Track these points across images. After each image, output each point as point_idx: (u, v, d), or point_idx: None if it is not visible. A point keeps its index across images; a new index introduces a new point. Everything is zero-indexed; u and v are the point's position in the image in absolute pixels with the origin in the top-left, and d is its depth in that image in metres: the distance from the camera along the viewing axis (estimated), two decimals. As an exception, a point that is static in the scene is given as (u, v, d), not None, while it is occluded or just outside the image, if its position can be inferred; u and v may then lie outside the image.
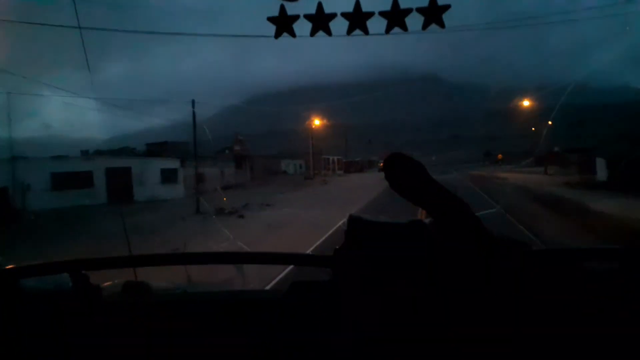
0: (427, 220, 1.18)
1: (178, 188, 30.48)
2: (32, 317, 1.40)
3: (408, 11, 1.23)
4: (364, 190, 25.56)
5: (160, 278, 1.83)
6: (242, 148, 46.13)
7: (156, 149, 39.84)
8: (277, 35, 1.27)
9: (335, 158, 69.22)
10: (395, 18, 1.23)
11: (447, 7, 1.21)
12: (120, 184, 27.20)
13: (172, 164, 31.58)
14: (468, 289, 1.10)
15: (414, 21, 1.22)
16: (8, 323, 1.39)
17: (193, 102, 23.05)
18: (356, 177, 53.01)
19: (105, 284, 1.63)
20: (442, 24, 1.23)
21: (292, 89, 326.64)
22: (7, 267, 1.52)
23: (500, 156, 71.73)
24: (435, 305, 1.10)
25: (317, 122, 55.18)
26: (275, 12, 1.22)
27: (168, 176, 27.72)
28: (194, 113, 22.78)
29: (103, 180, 27.57)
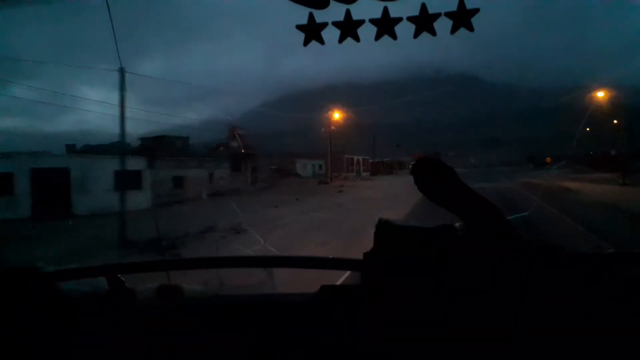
0: (457, 225, 1.16)
1: (141, 196, 24.02)
2: (70, 322, 1.42)
3: (436, 16, 1.22)
4: (390, 203, 20.78)
5: (193, 282, 1.80)
6: (242, 144, 37.26)
7: (150, 144, 33.92)
8: (306, 42, 1.26)
9: (361, 158, 62.34)
10: (424, 23, 1.22)
11: (476, 11, 1.20)
12: (53, 191, 21.22)
13: (135, 164, 24.57)
14: (496, 294, 1.08)
15: (444, 24, 1.21)
16: (48, 327, 1.40)
17: (121, 68, 15.65)
18: (384, 181, 46.35)
19: (141, 287, 1.63)
20: (471, 28, 1.21)
21: (323, 88, 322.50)
22: (45, 270, 1.53)
23: (549, 159, 62.90)
24: (462, 312, 1.09)
25: (336, 115, 47.37)
26: (304, 20, 1.23)
27: (127, 181, 20.41)
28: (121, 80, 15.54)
29: (28, 185, 21.43)
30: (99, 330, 1.39)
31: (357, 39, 1.25)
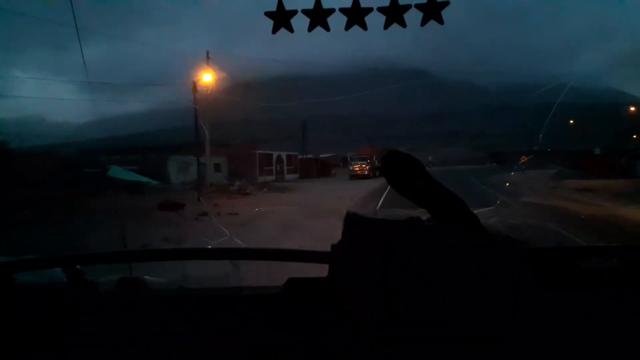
0: (424, 218, 1.17)
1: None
2: (27, 312, 1.36)
3: (407, 7, 1.21)
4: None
5: (155, 274, 1.76)
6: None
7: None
8: (275, 30, 1.23)
9: (284, 155, 45.94)
10: (394, 14, 1.21)
11: (446, 4, 1.19)
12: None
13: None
14: (463, 287, 1.08)
15: (414, 17, 1.24)
16: (3, 318, 1.35)
17: None
18: (312, 190, 29.75)
19: (101, 279, 1.57)
20: (441, 21, 1.21)
21: (276, 79, 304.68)
22: (1, 261, 1.49)
23: (524, 158, 49.23)
24: (431, 304, 1.10)
25: (207, 78, 27.52)
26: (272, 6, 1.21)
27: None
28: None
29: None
30: (58, 323, 1.31)
31: (327, 28, 1.23)
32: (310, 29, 1.23)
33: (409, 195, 1.14)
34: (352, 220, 1.17)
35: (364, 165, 42.32)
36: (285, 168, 43.83)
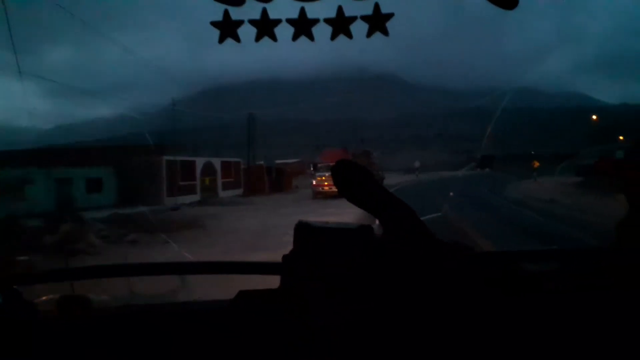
0: (375, 225, 1.13)
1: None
2: None
3: (353, 19, 1.20)
4: None
5: (99, 291, 1.63)
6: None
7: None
8: (221, 40, 1.22)
9: (218, 162, 29.24)
10: (340, 25, 1.21)
11: (390, 16, 1.19)
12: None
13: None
14: (414, 294, 1.08)
15: (361, 27, 1.23)
16: None
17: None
18: (238, 227, 15.45)
19: (40, 299, 1.45)
20: (386, 32, 1.21)
21: (246, 83, 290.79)
22: None
23: (537, 164, 42.68)
24: (384, 313, 1.07)
25: None
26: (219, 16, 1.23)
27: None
28: None
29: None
30: None
31: (274, 38, 1.20)
32: (258, 39, 1.21)
33: (358, 203, 1.10)
34: (303, 230, 1.12)
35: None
36: (219, 182, 28.04)
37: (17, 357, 1.16)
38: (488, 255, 1.35)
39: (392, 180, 38.13)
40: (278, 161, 40.02)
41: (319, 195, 25.30)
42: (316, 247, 1.09)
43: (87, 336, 1.21)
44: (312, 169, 28.47)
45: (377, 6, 1.17)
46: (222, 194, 26.91)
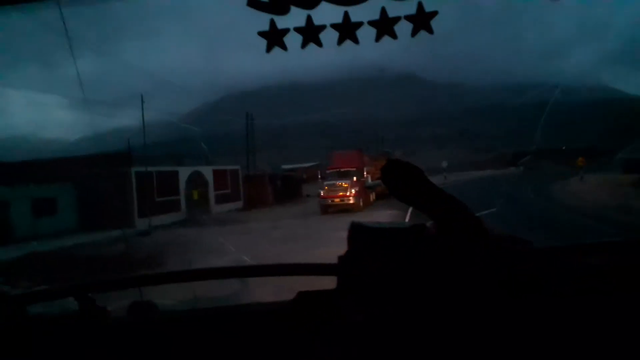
0: (429, 224, 1.13)
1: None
2: (41, 344, 1.33)
3: (396, 19, 1.19)
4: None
5: (166, 296, 1.71)
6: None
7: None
8: (269, 49, 1.21)
9: (208, 171, 23.96)
10: (385, 27, 1.19)
11: (434, 14, 1.17)
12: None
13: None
14: (467, 293, 1.05)
15: (404, 27, 1.18)
16: (18, 352, 1.31)
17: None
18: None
19: (112, 305, 1.51)
20: (430, 30, 1.19)
21: (267, 87, 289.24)
22: (13, 294, 1.42)
23: (582, 160, 37.00)
24: (440, 313, 1.05)
25: None
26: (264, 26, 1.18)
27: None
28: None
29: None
30: (72, 352, 1.28)
31: (319, 44, 1.20)
32: (304, 46, 1.20)
33: (412, 204, 1.09)
34: (357, 231, 1.12)
35: (345, 185, 20.86)
36: (211, 194, 23.55)
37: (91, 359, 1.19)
38: (549, 251, 1.25)
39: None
40: (286, 166, 35.14)
41: (329, 210, 20.17)
42: (371, 247, 1.08)
43: (156, 338, 1.27)
44: (319, 177, 23.49)
45: (420, 5, 1.14)
46: (216, 208, 22.49)
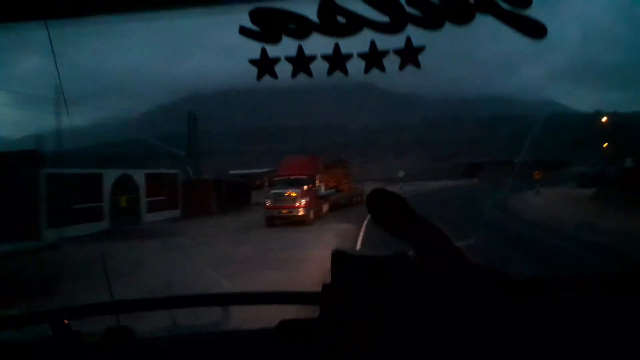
0: (410, 253, 1.15)
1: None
2: None
3: (385, 53, 1.23)
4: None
5: (143, 322, 1.69)
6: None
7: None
8: (259, 77, 1.24)
9: (140, 175, 20.06)
10: (373, 60, 1.23)
11: (422, 49, 1.22)
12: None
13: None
14: (455, 323, 1.06)
15: (392, 60, 1.24)
16: None
17: None
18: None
19: (86, 330, 1.50)
20: (418, 65, 1.23)
21: (226, 90, 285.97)
22: None
23: (539, 175, 35.29)
24: (425, 343, 1.06)
25: None
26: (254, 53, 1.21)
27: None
28: None
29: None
30: None
31: (309, 74, 1.23)
32: (294, 75, 1.21)
33: (393, 232, 1.10)
34: (339, 259, 1.13)
35: (294, 194, 18.71)
36: (142, 201, 20.01)
37: None
38: (525, 282, 1.28)
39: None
40: (235, 171, 32.57)
41: (276, 222, 17.89)
42: (354, 275, 1.08)
43: None
44: (267, 184, 21.05)
45: (409, 40, 1.18)
46: (149, 217, 19.70)
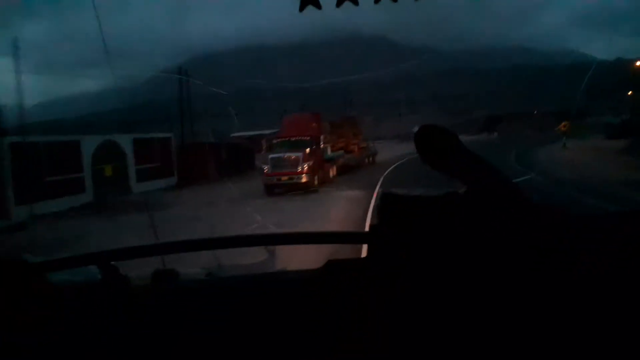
0: (461, 191, 1.09)
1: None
2: (63, 313, 1.30)
3: None
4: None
5: (189, 265, 1.64)
6: None
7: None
8: (302, 7, 1.19)
9: (126, 140, 18.35)
10: None
11: None
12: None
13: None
14: (508, 263, 1.00)
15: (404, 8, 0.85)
16: (41, 320, 1.28)
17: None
18: None
19: (134, 273, 1.50)
20: None
21: (235, 49, 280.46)
22: (35, 261, 1.39)
23: (565, 125, 31.27)
24: (475, 283, 1.01)
25: None
26: None
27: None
28: None
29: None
30: (94, 321, 1.26)
31: (318, 6, 1.16)
32: (301, 8, 1.17)
33: (444, 169, 1.05)
34: (388, 199, 1.09)
35: (295, 157, 16.40)
36: (131, 169, 18.50)
37: (115, 328, 1.20)
38: (587, 219, 1.20)
39: (386, 154, 28.87)
40: (238, 134, 30.41)
41: (276, 191, 15.85)
42: (402, 216, 1.03)
43: (178, 307, 1.24)
44: (265, 147, 18.68)
45: None
46: (139, 187, 17.92)
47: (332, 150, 20.80)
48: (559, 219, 1.03)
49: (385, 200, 1.08)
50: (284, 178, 15.97)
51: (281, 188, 16.05)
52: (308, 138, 17.67)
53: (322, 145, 18.48)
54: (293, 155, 16.28)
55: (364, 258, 1.19)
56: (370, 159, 27.26)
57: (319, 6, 1.15)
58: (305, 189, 16.05)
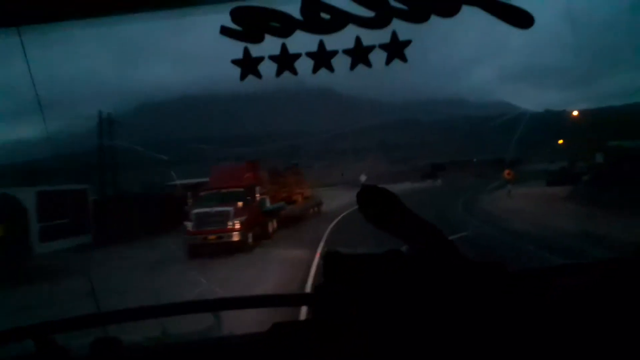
0: (404, 249, 1.13)
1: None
2: None
3: (371, 48, 1.18)
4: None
5: (132, 333, 1.56)
6: None
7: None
8: (243, 77, 1.19)
9: (30, 194, 14.74)
10: (359, 55, 1.19)
11: (408, 43, 1.17)
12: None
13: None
14: (453, 319, 1.02)
15: (378, 56, 1.18)
16: None
17: None
18: None
19: (73, 344, 1.43)
20: (404, 59, 1.18)
21: (182, 99, 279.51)
22: None
23: (509, 174, 33.02)
24: (422, 341, 1.02)
25: None
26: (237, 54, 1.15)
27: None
28: None
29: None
30: None
31: (294, 72, 1.17)
32: (278, 74, 1.16)
33: (387, 229, 1.09)
34: (333, 258, 1.10)
35: (225, 211, 14.32)
36: (33, 227, 15.39)
37: None
38: (521, 273, 1.23)
39: (333, 203, 27.46)
40: (172, 182, 27.73)
41: (201, 252, 13.59)
42: (347, 275, 1.05)
43: None
44: (190, 199, 16.40)
45: (394, 34, 1.14)
46: (43, 247, 15.20)
47: (272, 202, 18.91)
48: (493, 275, 1.04)
49: (329, 259, 1.08)
50: (212, 237, 13.72)
51: (208, 249, 13.75)
52: (241, 189, 15.61)
53: (258, 197, 16.55)
54: (222, 209, 14.21)
55: (311, 319, 1.17)
56: (316, 208, 25.75)
57: (294, 72, 1.15)
58: (238, 249, 13.89)
